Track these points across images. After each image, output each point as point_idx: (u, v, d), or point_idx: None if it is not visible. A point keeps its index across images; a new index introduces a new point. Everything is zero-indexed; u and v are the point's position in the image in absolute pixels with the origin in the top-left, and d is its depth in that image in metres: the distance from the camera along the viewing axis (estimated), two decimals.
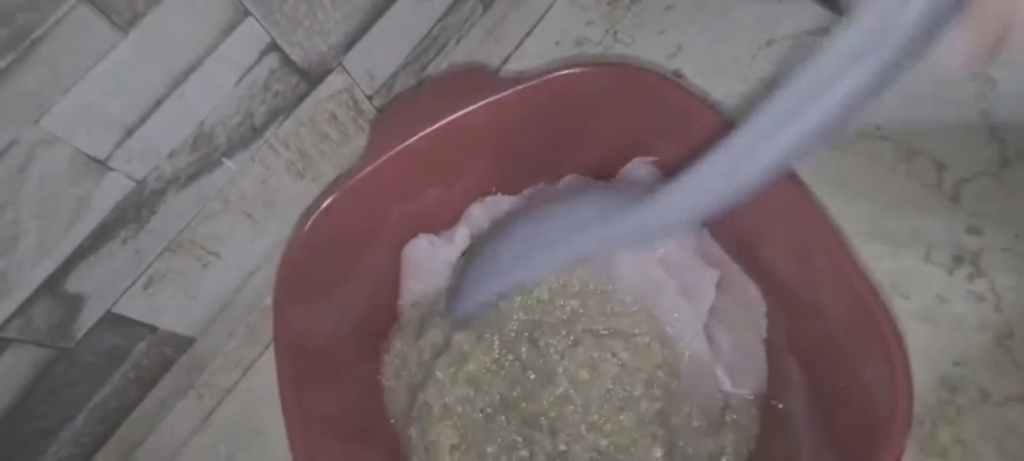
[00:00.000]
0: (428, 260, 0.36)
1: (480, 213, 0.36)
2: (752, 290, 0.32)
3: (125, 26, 0.25)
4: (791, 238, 0.29)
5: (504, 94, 0.32)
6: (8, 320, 0.27)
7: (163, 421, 0.37)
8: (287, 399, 0.28)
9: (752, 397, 0.30)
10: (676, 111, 0.31)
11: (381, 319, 0.36)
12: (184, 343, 0.37)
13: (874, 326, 0.24)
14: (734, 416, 0.30)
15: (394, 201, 0.34)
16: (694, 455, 0.30)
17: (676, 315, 0.32)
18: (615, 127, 0.34)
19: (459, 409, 0.31)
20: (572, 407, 0.30)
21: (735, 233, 0.32)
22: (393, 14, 0.36)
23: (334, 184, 0.32)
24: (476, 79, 0.35)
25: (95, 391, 0.33)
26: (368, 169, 0.32)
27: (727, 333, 0.31)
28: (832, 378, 0.27)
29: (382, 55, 0.37)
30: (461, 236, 0.35)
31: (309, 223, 0.31)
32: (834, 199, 0.28)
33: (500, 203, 0.36)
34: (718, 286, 0.32)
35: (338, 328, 0.33)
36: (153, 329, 0.35)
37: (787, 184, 0.27)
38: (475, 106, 0.32)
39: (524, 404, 0.31)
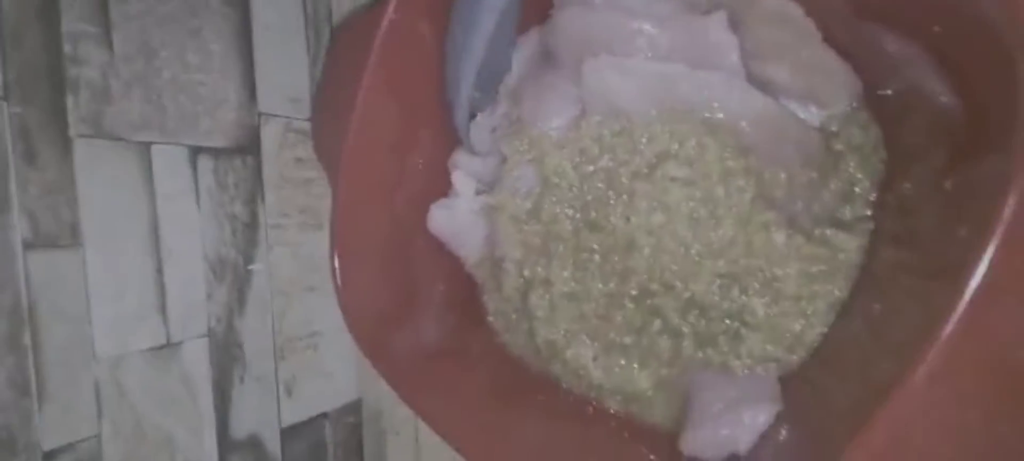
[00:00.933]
0: (453, 225, 0.34)
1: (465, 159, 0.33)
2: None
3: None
4: None
5: None
6: None
7: None
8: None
9: (850, 106, 0.26)
10: None
11: (464, 291, 0.35)
12: (355, 407, 0.41)
13: None
14: (843, 138, 0.26)
15: (393, 188, 0.32)
16: (823, 208, 0.26)
17: (705, 93, 0.26)
18: None
19: (576, 327, 0.30)
20: (669, 255, 0.27)
21: None
22: (261, 26, 0.35)
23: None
24: None
25: None
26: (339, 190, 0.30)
27: (777, 64, 0.25)
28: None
29: (285, 74, 0.36)
30: (460, 181, 0.33)
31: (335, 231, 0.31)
32: None
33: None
34: (733, 23, 0.25)
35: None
36: (323, 414, 0.39)
37: None
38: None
39: (626, 284, 0.28)
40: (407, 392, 0.29)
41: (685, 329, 0.28)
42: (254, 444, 0.34)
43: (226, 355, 0.33)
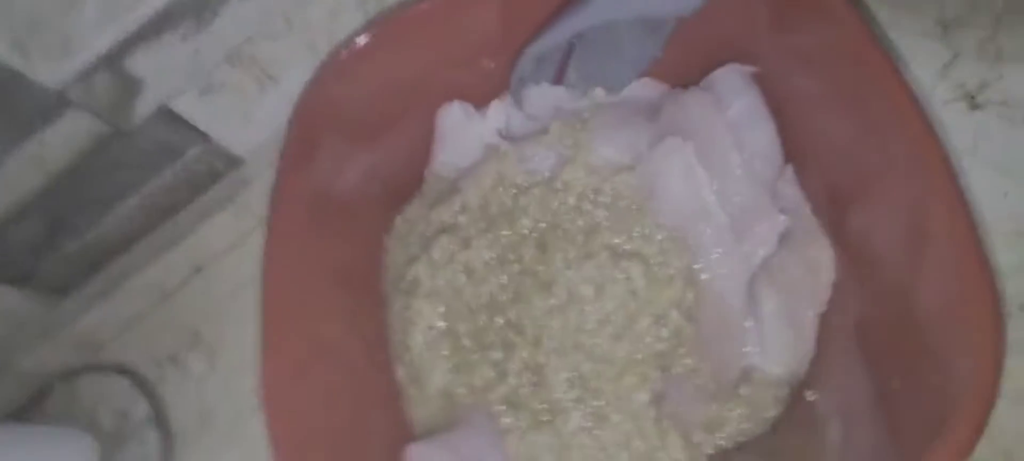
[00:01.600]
0: (460, 130, 0.34)
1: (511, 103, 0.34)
2: (825, 252, 0.27)
3: None
4: (906, 200, 0.24)
5: None
6: (70, 82, 0.28)
7: (201, 230, 0.39)
8: (279, 226, 0.28)
9: (783, 379, 0.26)
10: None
11: (410, 186, 0.35)
12: (233, 161, 0.38)
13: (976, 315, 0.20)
14: (750, 391, 0.27)
15: (439, 60, 0.32)
16: (685, 416, 0.27)
17: (716, 255, 0.28)
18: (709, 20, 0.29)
19: (447, 293, 0.30)
20: (563, 321, 0.28)
21: (829, 177, 0.28)
22: None
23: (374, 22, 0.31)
24: None
25: (147, 179, 0.36)
26: (412, 13, 0.30)
27: (775, 295, 0.26)
28: (889, 376, 0.23)
29: None
30: (496, 111, 0.33)
31: (342, 55, 0.30)
32: (990, 185, 0.25)
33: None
34: (782, 237, 0.27)
35: (362, 178, 0.33)
36: (205, 137, 0.36)
37: (924, 131, 0.23)
38: None
39: (514, 307, 0.29)
40: None
41: (511, 379, 0.28)
42: (129, 86, 0.30)
43: (195, 6, 0.29)
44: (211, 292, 0.39)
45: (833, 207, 0.28)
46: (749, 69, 0.31)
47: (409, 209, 0.35)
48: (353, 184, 0.34)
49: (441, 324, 0.30)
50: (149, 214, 0.38)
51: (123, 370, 0.39)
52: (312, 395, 0.28)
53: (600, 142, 0.30)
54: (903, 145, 0.24)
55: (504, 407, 0.28)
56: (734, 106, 0.30)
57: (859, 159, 0.26)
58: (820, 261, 0.27)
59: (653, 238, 0.29)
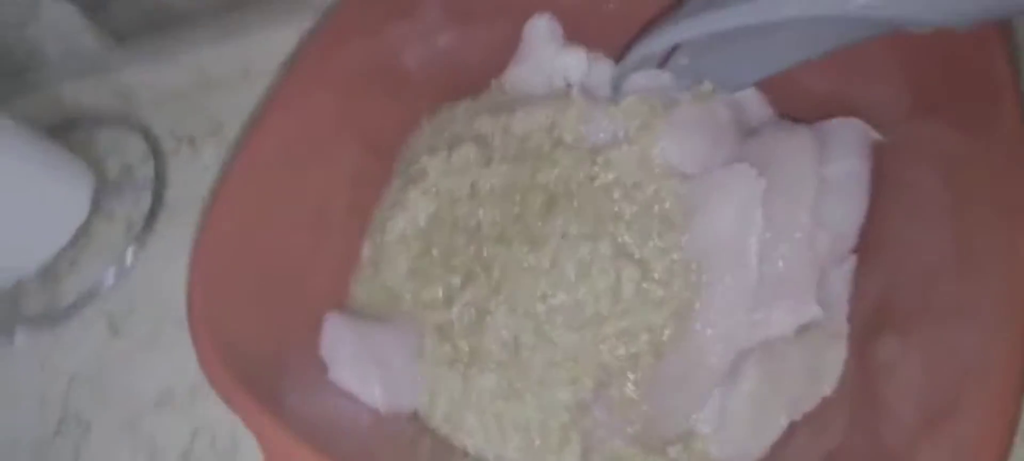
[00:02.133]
0: (540, 51, 0.32)
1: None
2: (836, 365, 0.24)
3: None
4: (954, 365, 0.20)
5: None
6: None
7: (260, 36, 0.39)
8: (335, 28, 0.28)
9: None
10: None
11: (471, 85, 0.33)
12: None
13: None
14: (678, 456, 0.24)
15: None
16: (596, 440, 0.24)
17: (722, 307, 0.24)
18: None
19: (443, 198, 0.29)
20: (532, 284, 0.25)
21: (891, 293, 0.24)
22: None
23: None
24: None
25: None
26: None
27: (759, 381, 0.24)
28: None
29: None
30: (580, 58, 0.31)
31: None
32: None
33: None
34: (802, 327, 0.24)
35: (433, 53, 0.32)
36: None
37: None
38: None
39: (494, 245, 0.27)
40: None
41: (455, 309, 0.27)
42: None
43: None
44: (248, 96, 0.39)
45: (873, 323, 0.24)
46: (874, 135, 0.26)
47: (460, 105, 0.33)
48: (421, 54, 0.33)
49: (422, 224, 0.29)
50: None
51: (144, 132, 0.40)
52: (274, 203, 0.27)
53: (670, 140, 0.26)
54: (999, 312, 0.19)
55: (435, 331, 0.27)
56: (836, 166, 0.25)
57: (936, 291, 0.22)
58: (826, 371, 0.24)
59: (667, 255, 0.25)
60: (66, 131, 0.40)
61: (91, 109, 0.41)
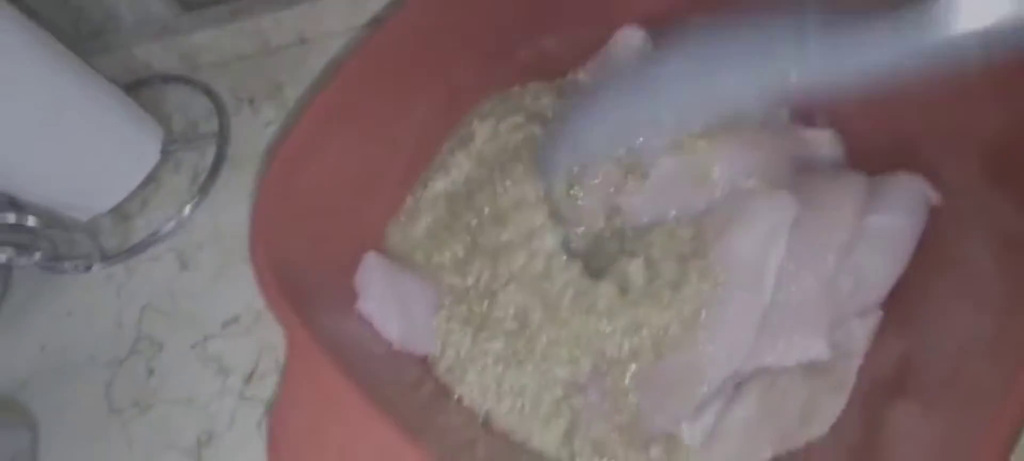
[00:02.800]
0: (622, 54, 0.33)
1: None
2: (833, 408, 0.24)
3: None
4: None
5: None
6: None
7: (318, 5, 0.41)
8: None
9: None
10: None
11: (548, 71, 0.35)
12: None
13: None
14: (658, 456, 0.24)
15: None
16: (584, 420, 0.25)
17: (723, 324, 0.24)
18: None
19: (484, 161, 0.30)
20: (538, 278, 0.27)
21: (913, 360, 0.23)
22: None
23: None
24: None
25: None
26: None
27: (755, 410, 0.24)
28: None
29: None
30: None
31: None
32: None
33: None
34: (808, 366, 0.24)
35: (522, 35, 0.33)
36: None
37: None
38: None
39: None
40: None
41: (470, 277, 0.28)
42: None
43: None
44: (305, 62, 0.42)
45: (890, 384, 0.23)
46: (933, 196, 0.25)
47: (533, 86, 0.34)
48: (508, 35, 0.33)
49: (455, 187, 0.31)
50: None
51: (209, 91, 0.43)
52: (335, 148, 0.29)
53: (728, 151, 0.26)
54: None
55: (452, 291, 0.29)
56: (882, 217, 0.24)
57: (966, 369, 0.21)
58: (821, 413, 0.24)
59: (685, 261, 0.25)
60: (137, 89, 0.43)
61: (160, 70, 0.44)
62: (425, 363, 0.28)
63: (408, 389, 0.27)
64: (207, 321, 0.34)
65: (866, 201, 0.24)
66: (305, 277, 0.26)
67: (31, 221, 0.34)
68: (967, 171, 0.24)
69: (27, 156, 0.34)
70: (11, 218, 0.34)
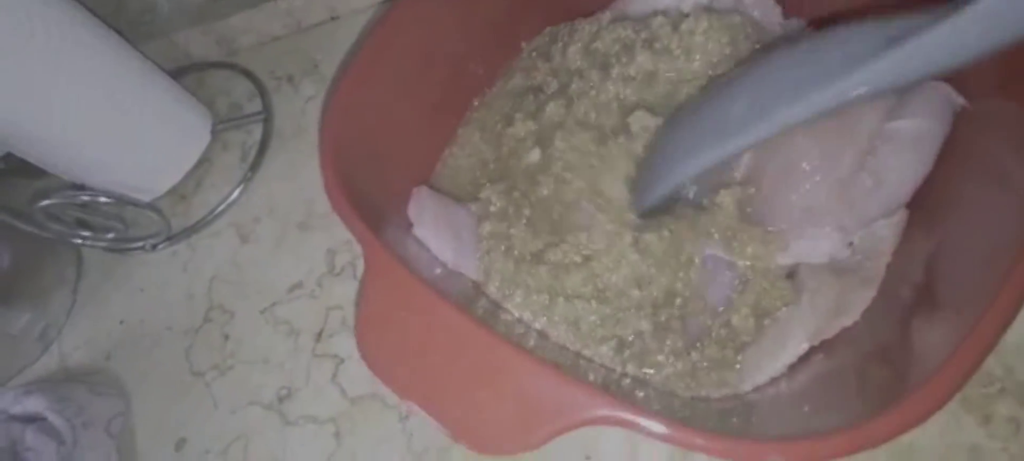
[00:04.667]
0: None
1: None
2: (861, 302, 0.25)
3: None
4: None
5: None
6: None
7: None
8: None
9: (729, 383, 0.25)
10: None
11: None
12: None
13: None
14: (699, 360, 0.25)
15: None
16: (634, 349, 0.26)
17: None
18: None
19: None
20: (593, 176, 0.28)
21: (943, 265, 0.23)
22: None
23: None
24: None
25: None
26: None
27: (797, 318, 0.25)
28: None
29: None
30: None
31: None
32: None
33: None
34: (836, 265, 0.25)
35: None
36: None
37: None
38: None
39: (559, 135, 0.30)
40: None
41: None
42: None
43: None
44: (337, 37, 0.43)
45: (919, 280, 0.24)
46: (958, 101, 0.25)
47: (580, 23, 0.35)
48: None
49: (502, 124, 0.33)
50: None
51: (249, 74, 0.44)
52: (393, 81, 0.31)
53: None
54: None
55: (493, 218, 0.30)
56: (908, 122, 0.25)
57: (989, 269, 0.20)
58: (852, 304, 0.24)
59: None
60: (180, 75, 0.45)
61: (198, 55, 0.46)
62: (476, 284, 0.30)
63: (465, 302, 0.28)
64: (273, 288, 0.36)
65: (892, 107, 0.25)
66: (370, 196, 0.28)
67: (103, 199, 0.36)
68: (991, 77, 0.24)
69: (93, 141, 0.36)
70: (85, 197, 0.36)
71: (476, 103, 0.36)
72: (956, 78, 0.25)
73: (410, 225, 0.30)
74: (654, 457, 0.27)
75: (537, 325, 0.28)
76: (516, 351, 0.21)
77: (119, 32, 0.39)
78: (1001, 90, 0.24)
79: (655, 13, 0.33)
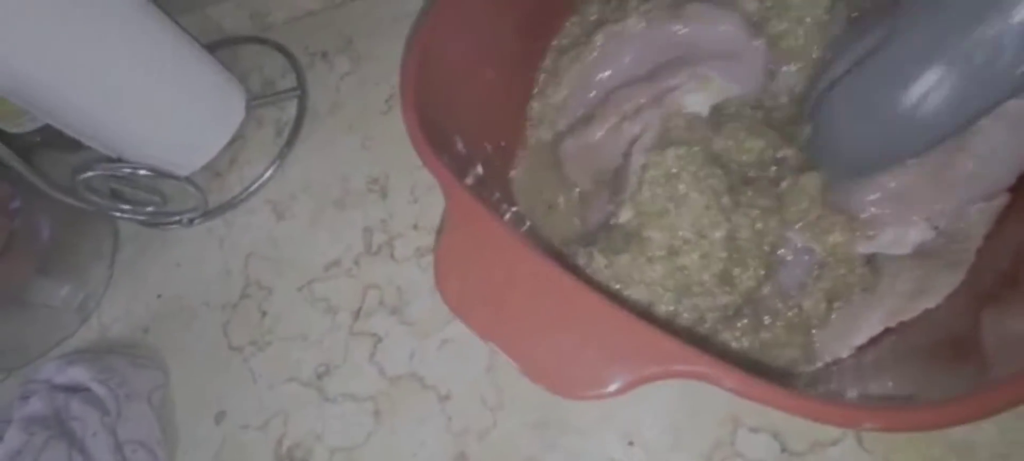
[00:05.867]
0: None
1: None
2: (947, 286, 0.24)
3: None
4: None
5: None
6: None
7: None
8: None
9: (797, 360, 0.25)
10: None
11: None
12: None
13: None
14: (771, 323, 0.25)
15: None
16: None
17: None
18: None
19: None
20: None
21: None
22: None
23: None
24: None
25: None
26: None
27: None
28: None
29: None
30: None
31: None
32: None
33: None
34: (920, 248, 0.24)
35: None
36: None
37: None
38: None
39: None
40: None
41: None
42: None
43: None
44: (374, 14, 0.43)
45: (1008, 270, 0.23)
46: None
47: None
48: None
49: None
50: None
51: (283, 49, 0.44)
52: (469, 32, 0.30)
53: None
54: None
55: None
56: (1016, 98, 0.23)
57: None
58: (936, 287, 0.24)
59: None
60: (213, 49, 0.44)
61: (232, 29, 0.46)
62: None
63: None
64: (310, 265, 0.36)
65: None
66: (449, 141, 0.28)
67: (143, 172, 0.36)
68: None
69: (132, 113, 0.36)
70: (126, 170, 0.36)
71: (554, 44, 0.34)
72: None
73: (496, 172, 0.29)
74: (697, 442, 0.27)
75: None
76: (601, 299, 0.20)
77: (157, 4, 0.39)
78: None
79: None
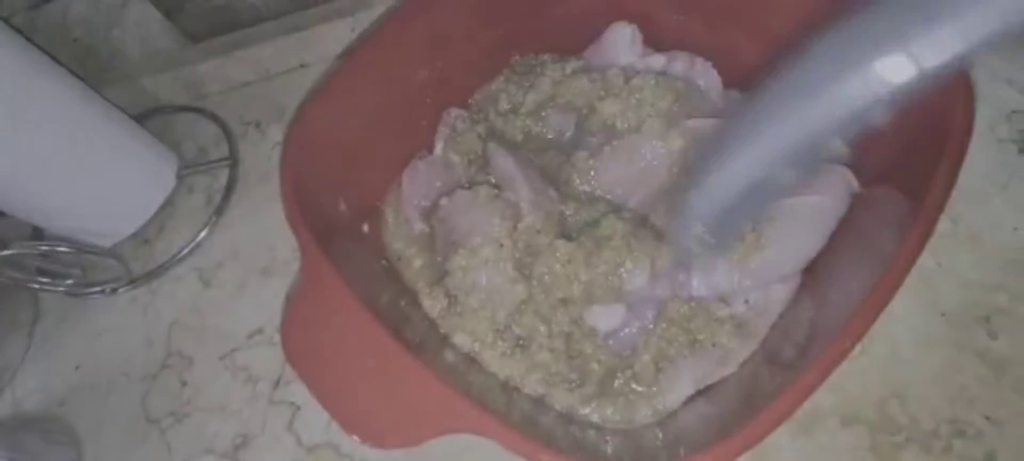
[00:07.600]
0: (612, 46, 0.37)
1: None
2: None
3: None
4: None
5: None
6: None
7: (318, 31, 0.44)
8: None
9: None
10: None
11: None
12: None
13: None
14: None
15: None
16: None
17: None
18: None
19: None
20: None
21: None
22: None
23: None
24: None
25: None
26: None
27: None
28: None
29: None
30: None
31: None
32: (1005, 219, 0.28)
33: None
34: None
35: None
36: None
37: None
38: None
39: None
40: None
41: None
42: None
43: None
44: (307, 85, 0.45)
45: (789, 337, 0.27)
46: (854, 186, 0.28)
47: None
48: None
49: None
50: (283, 1, 0.44)
51: (216, 119, 0.45)
52: (349, 115, 0.32)
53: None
54: None
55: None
56: (806, 198, 0.27)
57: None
58: (734, 356, 0.28)
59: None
60: (146, 118, 0.46)
61: (167, 99, 0.47)
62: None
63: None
64: (233, 334, 0.36)
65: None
66: (321, 208, 0.31)
67: (62, 249, 0.36)
68: (877, 166, 0.28)
69: (54, 186, 0.36)
70: (43, 248, 0.36)
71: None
72: (852, 166, 0.28)
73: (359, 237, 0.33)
74: None
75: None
76: (411, 361, 0.24)
77: (88, 77, 0.40)
78: (886, 178, 0.27)
79: (612, 66, 0.35)
